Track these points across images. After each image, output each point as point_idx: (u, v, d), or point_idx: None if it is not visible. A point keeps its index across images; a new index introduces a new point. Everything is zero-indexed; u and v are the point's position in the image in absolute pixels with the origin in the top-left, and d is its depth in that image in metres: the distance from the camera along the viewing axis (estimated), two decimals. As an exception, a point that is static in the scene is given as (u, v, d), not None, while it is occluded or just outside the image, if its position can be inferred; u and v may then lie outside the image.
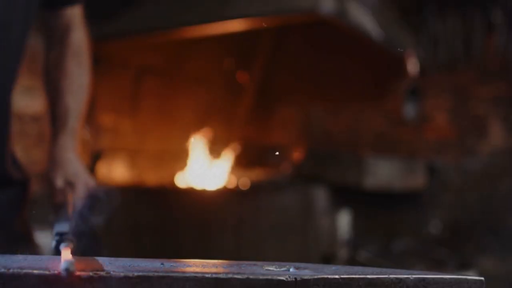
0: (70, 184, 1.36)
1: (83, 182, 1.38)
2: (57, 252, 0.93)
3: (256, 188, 3.59)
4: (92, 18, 1.60)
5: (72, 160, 1.40)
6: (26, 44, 1.36)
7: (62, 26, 1.47)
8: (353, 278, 0.76)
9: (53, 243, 1.02)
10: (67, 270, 0.70)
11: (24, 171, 1.41)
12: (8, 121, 1.34)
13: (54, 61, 1.46)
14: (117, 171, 3.82)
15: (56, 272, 0.72)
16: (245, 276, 0.73)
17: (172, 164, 4.13)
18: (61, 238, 1.03)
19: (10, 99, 1.34)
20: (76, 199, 1.35)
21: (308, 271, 0.79)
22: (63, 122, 1.42)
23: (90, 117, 3.48)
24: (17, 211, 1.38)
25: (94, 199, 1.37)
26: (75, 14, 1.50)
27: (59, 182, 1.36)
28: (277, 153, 4.45)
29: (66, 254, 0.79)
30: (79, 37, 1.49)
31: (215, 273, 0.74)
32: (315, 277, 0.75)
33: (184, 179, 4.04)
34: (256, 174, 4.06)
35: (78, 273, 0.71)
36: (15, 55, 1.33)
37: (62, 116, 1.42)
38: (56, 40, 1.47)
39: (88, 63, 1.51)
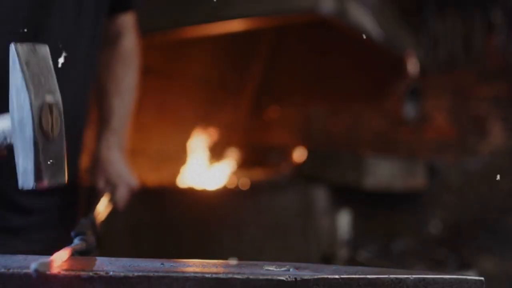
0: (112, 185, 1.36)
1: (125, 183, 1.38)
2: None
3: (256, 188, 3.58)
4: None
5: (115, 161, 1.40)
6: (96, 60, 1.37)
7: (114, 31, 1.49)
8: (353, 278, 0.76)
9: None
10: (36, 271, 0.70)
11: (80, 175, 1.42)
12: (83, 133, 1.35)
13: (103, 64, 1.47)
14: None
15: (56, 272, 0.72)
16: (245, 276, 0.73)
17: (172, 164, 4.13)
18: (77, 238, 1.03)
19: (86, 114, 1.35)
20: (118, 199, 1.36)
21: (308, 271, 0.78)
22: (107, 122, 1.43)
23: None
24: (77, 213, 1.38)
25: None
26: (128, 20, 1.51)
27: (101, 183, 1.36)
28: (276, 153, 4.45)
29: (59, 255, 0.78)
30: (129, 42, 1.51)
31: (215, 273, 0.74)
32: (315, 277, 0.75)
33: (184, 179, 4.04)
34: (256, 174, 4.06)
35: (50, 273, 0.71)
36: (87, 71, 1.35)
37: (106, 116, 1.43)
38: (107, 44, 1.48)
39: (137, 68, 1.52)
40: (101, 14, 1.36)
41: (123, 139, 1.47)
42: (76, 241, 1.02)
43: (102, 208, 1.27)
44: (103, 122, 1.44)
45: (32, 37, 1.17)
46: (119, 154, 1.43)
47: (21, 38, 1.15)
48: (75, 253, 0.92)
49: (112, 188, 1.37)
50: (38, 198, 1.26)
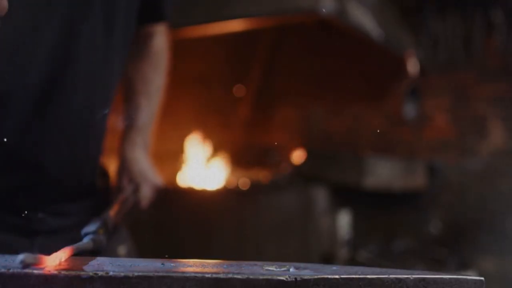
0: (136, 184, 1.36)
1: (149, 182, 1.37)
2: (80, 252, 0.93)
3: (256, 188, 3.59)
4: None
5: (139, 159, 1.40)
6: (122, 68, 1.38)
7: (145, 36, 1.49)
8: (353, 278, 0.76)
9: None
10: (22, 262, 0.70)
11: (107, 177, 1.41)
12: (103, 138, 1.35)
13: (133, 64, 1.48)
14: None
15: (55, 272, 0.72)
16: (245, 276, 0.73)
17: (172, 164, 4.13)
18: (86, 237, 1.03)
19: (107, 119, 1.36)
20: (142, 198, 1.36)
21: (308, 271, 0.78)
22: (133, 121, 1.43)
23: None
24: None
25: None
26: (160, 28, 1.52)
27: (124, 181, 1.36)
28: (276, 153, 4.45)
29: (58, 254, 0.78)
30: (159, 44, 1.52)
31: (215, 273, 0.74)
32: (315, 277, 0.75)
33: (184, 179, 4.04)
34: (256, 174, 4.06)
35: (37, 267, 0.71)
36: (113, 80, 1.34)
37: (133, 115, 1.43)
38: (138, 47, 1.48)
39: (165, 70, 1.53)
40: (130, 33, 1.37)
41: (148, 139, 1.47)
42: (85, 240, 1.01)
43: (120, 207, 1.27)
44: (129, 121, 1.44)
45: (58, 63, 1.17)
46: (144, 153, 1.43)
47: (47, 63, 1.15)
48: (82, 252, 0.91)
49: (135, 187, 1.37)
50: (74, 203, 1.28)
